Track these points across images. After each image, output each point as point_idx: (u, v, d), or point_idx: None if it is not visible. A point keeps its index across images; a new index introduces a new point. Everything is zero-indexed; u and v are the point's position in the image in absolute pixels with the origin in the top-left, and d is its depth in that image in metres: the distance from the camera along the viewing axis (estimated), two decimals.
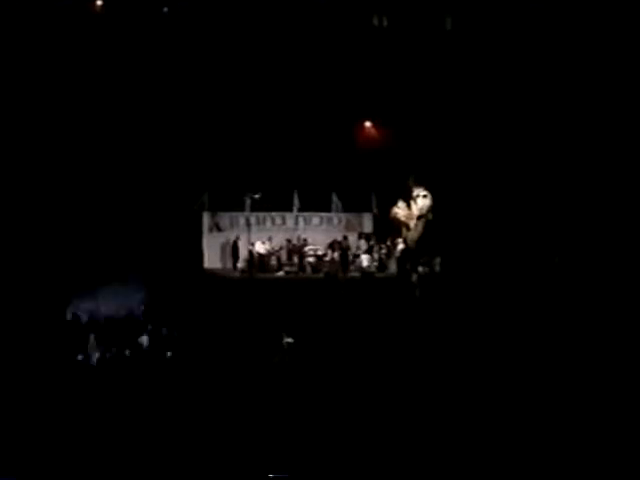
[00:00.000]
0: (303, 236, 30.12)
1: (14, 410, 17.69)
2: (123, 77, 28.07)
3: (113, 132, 27.99)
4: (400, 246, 29.40)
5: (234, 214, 29.88)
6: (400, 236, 29.62)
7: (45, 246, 25.86)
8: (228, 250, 29.52)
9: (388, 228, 30.00)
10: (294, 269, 29.22)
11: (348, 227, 30.74)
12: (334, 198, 30.41)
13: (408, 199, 29.84)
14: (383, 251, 29.88)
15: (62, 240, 26.10)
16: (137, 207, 27.90)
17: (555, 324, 22.97)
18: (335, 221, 30.81)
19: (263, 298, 25.01)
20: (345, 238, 30.35)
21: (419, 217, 29.61)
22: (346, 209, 30.64)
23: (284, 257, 29.76)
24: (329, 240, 29.88)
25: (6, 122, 26.81)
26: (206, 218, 29.80)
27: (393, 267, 29.39)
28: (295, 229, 30.15)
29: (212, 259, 29.20)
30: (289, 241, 30.08)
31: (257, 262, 28.80)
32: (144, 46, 28.27)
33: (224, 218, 29.97)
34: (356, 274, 28.79)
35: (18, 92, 26.75)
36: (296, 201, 29.85)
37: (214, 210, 29.69)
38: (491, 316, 24.04)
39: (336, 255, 29.15)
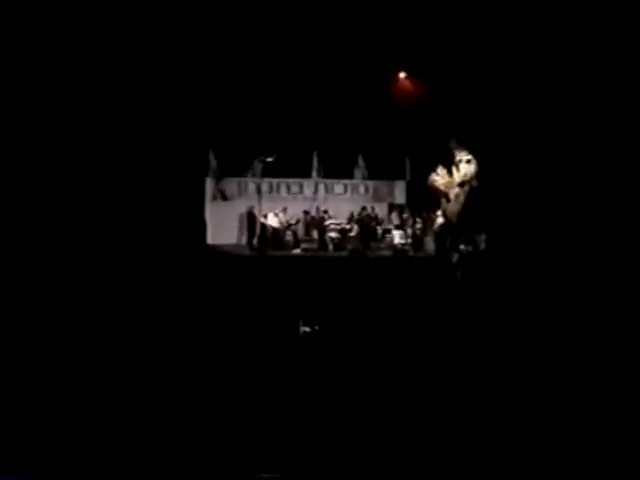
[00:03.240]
0: (324, 207, 30.08)
1: None
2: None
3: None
4: (439, 220, 29.17)
5: (242, 180, 29.81)
6: (439, 208, 29.44)
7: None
8: (238, 223, 29.61)
9: (424, 199, 30.01)
10: (313, 246, 29.31)
11: (377, 197, 31.02)
12: (360, 162, 30.47)
13: (449, 164, 29.56)
14: (418, 226, 29.85)
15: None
16: (124, 167, 27.28)
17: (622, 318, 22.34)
18: (362, 189, 30.96)
19: (276, 280, 24.98)
20: (373, 209, 30.42)
21: (461, 186, 29.33)
22: (375, 175, 30.76)
23: (301, 232, 29.88)
24: (354, 212, 29.97)
25: None
26: (209, 184, 29.55)
27: (430, 245, 29.34)
28: (314, 199, 30.31)
29: (216, 233, 29.00)
30: (307, 213, 30.12)
31: (270, 237, 28.78)
32: None
33: (231, 185, 29.87)
34: (386, 252, 28.75)
35: None
36: (316, 165, 29.88)
37: (219, 175, 29.57)
38: (545, 305, 23.32)
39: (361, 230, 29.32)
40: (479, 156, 29.25)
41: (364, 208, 30.31)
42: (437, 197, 29.87)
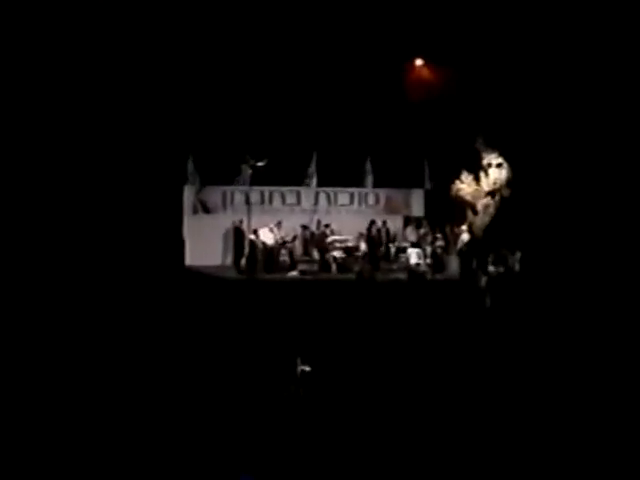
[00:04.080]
0: (325, 221, 29.96)
1: None
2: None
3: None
4: (464, 236, 28.97)
5: (228, 188, 29.75)
6: (464, 222, 29.47)
7: None
8: (222, 240, 29.52)
9: (446, 211, 30.00)
10: (313, 268, 29.05)
11: (389, 208, 31.08)
12: (369, 167, 30.47)
13: (476, 169, 29.72)
14: (439, 243, 29.60)
15: None
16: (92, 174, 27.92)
17: None
18: (371, 200, 31.01)
19: (269, 309, 24.50)
20: (385, 224, 30.29)
21: (491, 195, 29.54)
22: (386, 183, 30.68)
23: (299, 250, 29.75)
24: (362, 226, 29.77)
25: None
26: (188, 194, 29.50)
27: (454, 266, 29.16)
28: (314, 211, 30.32)
29: (196, 253, 28.80)
30: (305, 228, 30.00)
31: (261, 258, 28.38)
32: None
33: (214, 194, 29.85)
34: (401, 275, 28.21)
35: None
36: (315, 170, 29.85)
37: (200, 182, 29.41)
38: (591, 340, 22.67)
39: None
40: (512, 159, 29.44)
41: (373, 222, 30.13)
42: (462, 208, 29.97)
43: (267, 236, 28.79)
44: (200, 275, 27.84)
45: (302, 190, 30.29)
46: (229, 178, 29.33)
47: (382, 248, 29.83)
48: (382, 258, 29.46)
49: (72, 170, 27.35)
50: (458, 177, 29.63)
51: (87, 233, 26.93)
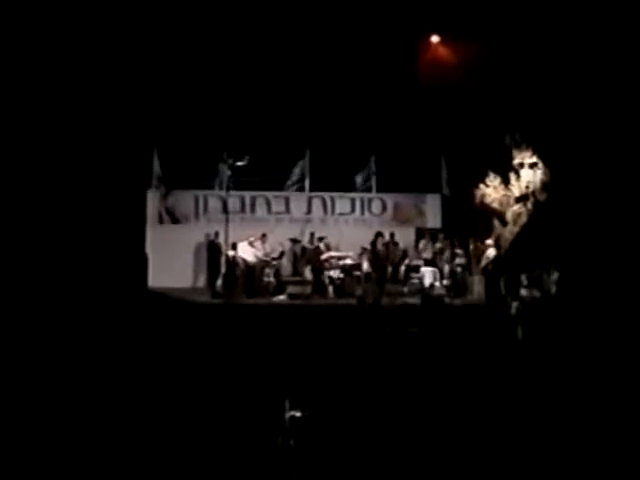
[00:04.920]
0: (320, 233, 29.64)
1: None
2: None
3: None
4: (490, 252, 28.47)
5: (201, 193, 29.87)
6: (490, 234, 29.14)
7: None
8: (193, 256, 29.55)
9: (469, 221, 29.77)
10: (305, 290, 28.59)
11: (399, 218, 30.78)
12: (373, 167, 30.29)
13: (505, 171, 29.42)
14: (460, 260, 29.17)
15: None
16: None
17: None
18: (376, 207, 30.76)
19: (251, 341, 23.93)
20: (393, 237, 29.92)
21: (523, 201, 29.13)
22: (395, 186, 30.30)
23: (288, 269, 29.62)
24: (365, 240, 29.45)
25: None
26: (152, 200, 29.58)
27: (478, 288, 28.66)
28: (307, 220, 30.12)
29: (162, 272, 28.58)
30: (296, 242, 29.65)
31: (241, 278, 28.31)
32: None
33: (184, 200, 29.90)
34: (413, 299, 27.71)
35: None
36: (307, 171, 29.87)
37: (167, 186, 29.53)
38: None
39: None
40: (549, 158, 29.11)
41: (379, 235, 29.58)
42: (487, 218, 29.83)
43: (248, 252, 28.50)
44: (166, 299, 27.57)
45: (291, 195, 30.20)
46: (202, 180, 29.49)
47: (389, 267, 29.49)
48: (389, 279, 29.04)
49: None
50: (483, 180, 29.48)
51: (24, 248, 26.88)
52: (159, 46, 29.09)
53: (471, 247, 29.34)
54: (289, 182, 30.15)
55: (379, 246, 29.69)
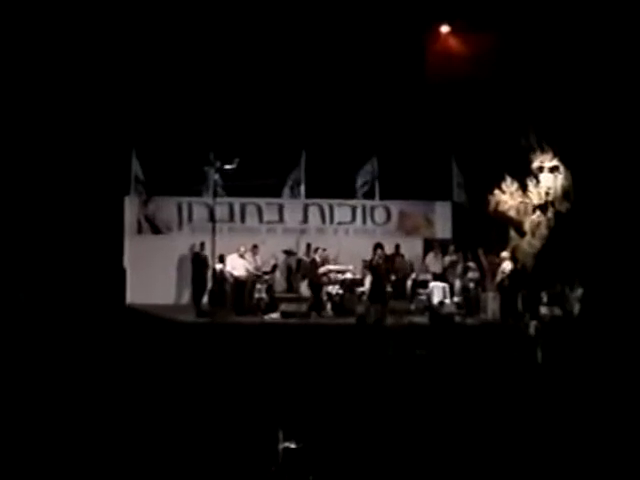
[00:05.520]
0: (318, 244, 29.46)
1: None
2: None
3: None
4: (506, 266, 28.13)
5: (185, 200, 29.97)
6: (506, 246, 28.81)
7: None
8: (177, 270, 29.66)
9: (482, 231, 29.71)
10: (301, 308, 28.30)
11: (404, 227, 30.96)
12: (376, 170, 30.29)
13: (523, 175, 29.20)
14: (472, 275, 29.12)
15: None
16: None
17: None
18: (379, 216, 30.90)
19: (241, 364, 23.20)
20: (398, 249, 29.88)
21: (543, 209, 29.03)
22: (400, 193, 30.42)
23: (282, 285, 29.72)
24: (367, 252, 28.52)
25: None
26: (130, 207, 29.65)
27: (493, 306, 28.43)
28: (303, 230, 30.27)
29: (142, 287, 28.78)
30: (290, 254, 29.66)
31: (230, 294, 28.39)
32: None
33: (166, 208, 29.99)
34: (420, 318, 27.61)
35: None
36: (303, 175, 29.88)
37: (147, 192, 29.58)
38: None
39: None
40: (572, 161, 29.02)
41: (379, 246, 28.04)
42: (503, 228, 29.59)
43: (238, 265, 28.44)
44: (146, 318, 27.42)
45: (285, 202, 30.25)
46: (187, 185, 29.47)
47: (388, 283, 28.61)
48: (391, 296, 28.30)
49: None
50: (498, 185, 29.23)
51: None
52: (137, 37, 29.16)
53: (484, 260, 29.07)
54: (285, 188, 30.28)
55: (377, 259, 28.43)
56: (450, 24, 30.72)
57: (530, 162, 29.08)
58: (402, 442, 19.68)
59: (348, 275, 28.73)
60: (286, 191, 30.47)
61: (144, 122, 28.96)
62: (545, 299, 26.48)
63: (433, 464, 19.02)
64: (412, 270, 29.79)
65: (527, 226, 29.11)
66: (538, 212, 29.08)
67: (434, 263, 29.57)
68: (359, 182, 30.69)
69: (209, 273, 28.35)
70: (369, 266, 28.45)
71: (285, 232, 30.13)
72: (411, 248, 30.21)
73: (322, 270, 28.61)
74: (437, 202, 30.77)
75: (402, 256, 29.86)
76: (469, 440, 20.13)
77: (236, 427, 19.53)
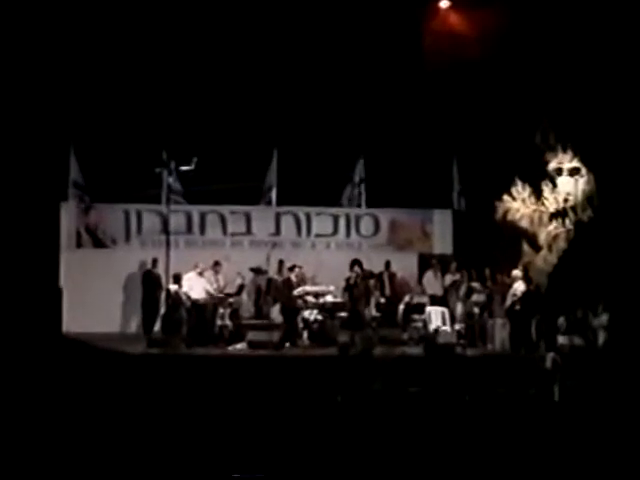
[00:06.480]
0: (293, 261, 29.32)
1: None
2: None
3: None
4: (518, 286, 28.10)
5: (133, 208, 30.15)
6: (517, 263, 28.95)
7: None
8: (123, 291, 29.86)
9: (490, 245, 29.90)
10: (271, 337, 27.94)
11: (396, 241, 31.28)
12: (362, 172, 30.59)
13: (536, 178, 29.39)
14: (477, 297, 29.14)
15: None
16: None
17: None
18: (366, 227, 31.27)
19: (199, 402, 22.98)
20: (388, 267, 30.11)
21: (560, 219, 29.29)
22: (391, 199, 30.65)
23: (249, 309, 29.53)
24: (351, 269, 29.14)
25: None
26: (67, 216, 29.77)
27: (502, 335, 28.36)
28: (274, 244, 30.18)
29: (82, 312, 28.71)
30: (259, 272, 29.41)
31: (187, 321, 28.05)
32: None
33: (110, 217, 30.19)
34: (414, 349, 27.78)
35: None
36: (275, 178, 30.11)
37: (89, 197, 29.65)
38: None
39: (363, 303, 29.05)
40: (594, 162, 29.19)
41: (355, 263, 28.78)
42: (514, 241, 29.76)
43: (196, 285, 28.24)
44: (87, 349, 27.12)
45: (254, 211, 30.48)
46: (135, 190, 29.57)
47: (369, 304, 28.97)
48: (380, 322, 28.70)
49: None
50: (508, 190, 29.38)
51: None
52: (71, 18, 29.25)
53: (490, 284, 29.03)
54: (270, 194, 30.38)
55: (354, 279, 28.83)
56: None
57: (546, 163, 29.24)
58: None
59: (328, 298, 28.53)
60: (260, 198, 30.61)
61: (84, 114, 29.14)
62: (564, 326, 26.40)
63: None
64: (405, 292, 29.84)
65: (542, 239, 29.25)
66: (555, 222, 29.24)
67: (433, 283, 29.59)
68: (347, 189, 30.88)
69: (162, 295, 28.16)
70: (346, 286, 28.78)
71: (253, 246, 30.24)
72: (404, 266, 30.35)
73: (297, 292, 28.33)
74: (435, 210, 30.96)
75: (392, 275, 29.91)
76: None
77: (191, 470, 18.82)
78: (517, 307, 27.71)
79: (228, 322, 28.19)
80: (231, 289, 28.58)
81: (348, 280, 28.72)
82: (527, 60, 29.25)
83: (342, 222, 30.85)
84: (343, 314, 28.36)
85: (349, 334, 27.44)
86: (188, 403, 22.95)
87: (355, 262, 29.07)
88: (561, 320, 26.48)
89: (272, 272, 28.98)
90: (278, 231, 30.42)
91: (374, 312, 28.93)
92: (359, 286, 28.60)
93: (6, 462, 19.43)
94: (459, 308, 28.80)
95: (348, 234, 30.92)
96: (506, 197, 29.19)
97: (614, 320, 26.90)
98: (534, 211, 29.24)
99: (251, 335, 27.86)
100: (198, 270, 28.01)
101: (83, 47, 29.57)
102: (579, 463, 20.11)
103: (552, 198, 29.10)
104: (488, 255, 29.73)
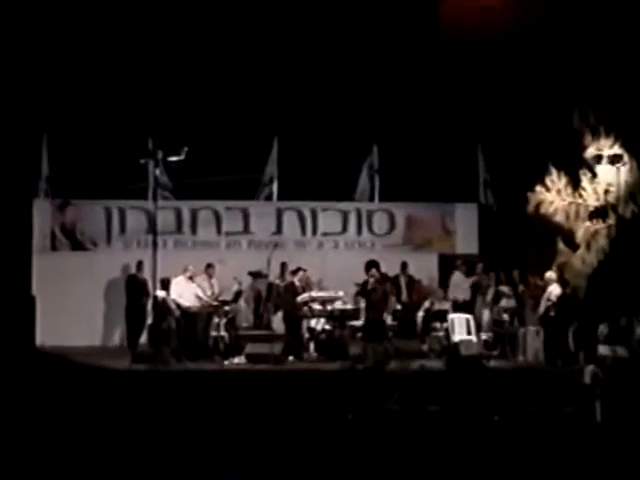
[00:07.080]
0: (297, 263, 29.26)
1: None
2: None
3: None
4: (553, 290, 27.83)
5: (115, 205, 30.36)
6: (552, 264, 28.87)
7: None
8: (104, 300, 30.11)
9: (520, 243, 30.07)
10: (272, 349, 27.60)
11: (413, 240, 31.40)
12: (376, 162, 30.66)
13: (573, 167, 29.22)
14: (507, 303, 28.93)
15: None
16: None
17: None
18: (380, 224, 31.34)
19: (192, 423, 22.09)
20: (405, 268, 30.07)
21: (601, 214, 29.09)
22: (408, 193, 30.82)
23: (248, 318, 29.53)
24: (367, 272, 28.75)
25: None
26: (41, 214, 30.01)
27: (535, 345, 28.14)
28: (276, 244, 30.06)
29: (58, 323, 28.84)
30: (259, 276, 29.37)
31: (177, 332, 27.84)
32: None
33: (89, 216, 30.35)
34: (435, 362, 27.51)
35: None
36: (276, 170, 30.33)
37: (63, 193, 29.85)
38: None
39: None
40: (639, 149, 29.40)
41: (371, 266, 28.60)
42: (547, 238, 29.72)
43: (187, 292, 28.07)
44: (63, 365, 26.94)
45: (252, 206, 30.55)
46: (117, 184, 29.79)
47: (385, 311, 28.39)
48: (398, 331, 28.56)
49: None
50: (541, 180, 29.17)
51: None
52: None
53: (523, 283, 28.85)
54: (270, 188, 30.58)
55: (372, 283, 28.09)
56: None
57: (583, 149, 29.08)
58: None
59: (337, 305, 28.29)
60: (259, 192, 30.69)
61: (58, 99, 29.62)
62: (605, 335, 26.36)
63: None
64: (425, 297, 29.65)
65: (580, 236, 29.13)
66: (595, 218, 29.24)
67: (455, 288, 29.57)
68: (361, 181, 31.01)
69: (149, 303, 28.10)
70: (362, 292, 28.35)
71: (251, 247, 30.38)
72: (423, 267, 30.28)
73: (302, 298, 28.00)
74: (458, 204, 31.08)
75: (410, 278, 29.80)
76: None
77: None
78: (552, 313, 27.49)
79: (224, 333, 28.00)
80: (227, 296, 28.35)
81: (364, 284, 28.33)
82: (561, 32, 29.27)
83: (352, 219, 30.83)
84: (354, 323, 28.21)
85: (362, 346, 27.44)
86: (179, 426, 22.02)
87: (371, 264, 28.91)
88: (602, 328, 26.36)
89: (273, 276, 28.81)
90: (280, 229, 30.47)
91: (389, 320, 28.66)
92: (377, 291, 28.26)
93: None
94: (486, 315, 28.61)
95: (359, 232, 30.90)
96: (539, 188, 29.02)
97: None
98: (570, 204, 29.15)
99: (250, 347, 27.63)
100: (188, 274, 27.87)
101: (60, 29, 29.87)
102: None
103: (591, 189, 28.95)
104: (518, 255, 29.90)
